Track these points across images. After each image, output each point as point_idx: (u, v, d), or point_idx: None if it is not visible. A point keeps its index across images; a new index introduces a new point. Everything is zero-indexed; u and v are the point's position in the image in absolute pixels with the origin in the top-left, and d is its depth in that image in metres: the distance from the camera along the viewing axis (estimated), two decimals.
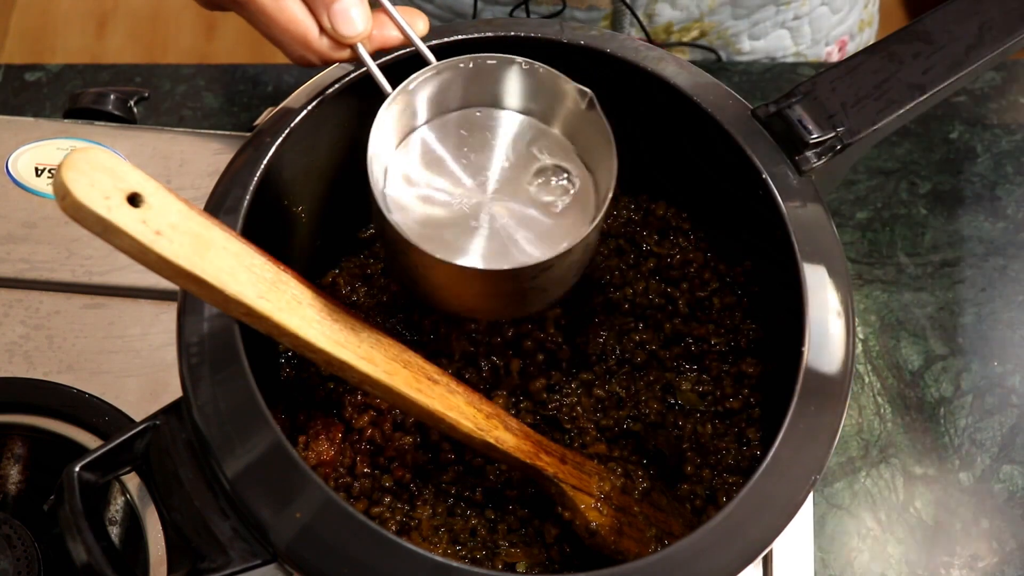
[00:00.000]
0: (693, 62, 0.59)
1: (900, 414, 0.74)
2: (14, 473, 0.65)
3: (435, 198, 0.49)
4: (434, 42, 0.53)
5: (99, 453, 0.45)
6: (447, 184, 0.49)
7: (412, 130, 0.50)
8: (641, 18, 0.85)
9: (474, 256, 0.47)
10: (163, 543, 0.61)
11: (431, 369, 0.51)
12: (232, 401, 0.45)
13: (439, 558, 0.42)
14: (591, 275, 0.61)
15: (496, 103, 0.51)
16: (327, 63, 0.51)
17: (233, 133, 0.73)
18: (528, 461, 0.53)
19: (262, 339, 0.45)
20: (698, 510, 0.57)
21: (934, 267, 0.80)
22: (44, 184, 0.71)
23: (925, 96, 0.53)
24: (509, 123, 0.51)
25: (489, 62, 0.49)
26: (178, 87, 0.86)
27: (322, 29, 0.50)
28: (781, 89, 0.80)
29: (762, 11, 0.88)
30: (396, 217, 0.47)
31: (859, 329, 0.77)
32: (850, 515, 0.71)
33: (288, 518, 0.43)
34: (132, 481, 0.63)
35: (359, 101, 0.54)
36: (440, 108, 0.51)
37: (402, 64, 0.51)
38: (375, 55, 0.51)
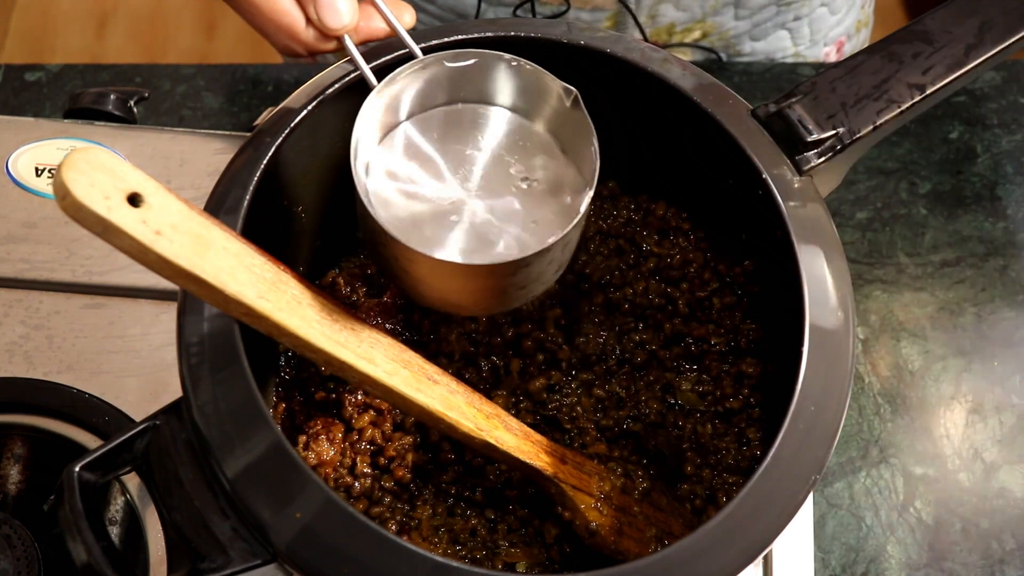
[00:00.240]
0: (694, 62, 0.59)
1: (900, 414, 0.74)
2: (14, 473, 0.65)
3: (417, 192, 0.48)
4: (435, 42, 0.53)
5: (99, 453, 0.45)
6: (430, 179, 0.49)
7: (397, 124, 0.50)
8: (645, 19, 0.85)
9: (452, 250, 0.47)
10: (163, 543, 0.61)
11: (431, 369, 0.51)
12: (232, 401, 0.45)
13: (439, 558, 0.42)
14: (591, 275, 0.61)
15: (481, 99, 0.51)
16: (314, 54, 0.51)
17: (233, 133, 0.73)
18: (528, 461, 0.53)
19: (262, 339, 0.45)
20: (698, 510, 0.57)
21: (934, 267, 0.80)
22: (44, 184, 0.71)
23: (925, 96, 0.53)
24: (494, 120, 0.51)
25: (475, 58, 0.49)
26: (178, 87, 0.86)
27: (309, 20, 0.50)
28: (781, 89, 0.80)
29: (764, 11, 0.88)
30: (378, 210, 0.47)
31: (859, 329, 0.77)
32: (850, 515, 0.71)
33: (288, 518, 0.43)
34: (132, 481, 0.63)
35: (359, 101, 0.53)
36: (425, 103, 0.50)
37: (396, 65, 0.51)
38: (361, 47, 0.51)
